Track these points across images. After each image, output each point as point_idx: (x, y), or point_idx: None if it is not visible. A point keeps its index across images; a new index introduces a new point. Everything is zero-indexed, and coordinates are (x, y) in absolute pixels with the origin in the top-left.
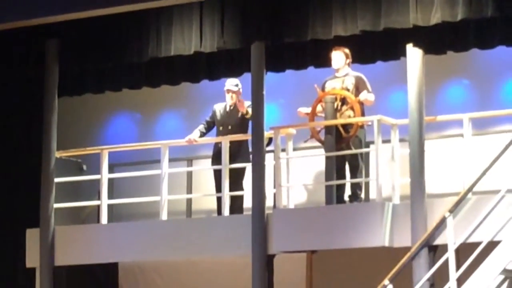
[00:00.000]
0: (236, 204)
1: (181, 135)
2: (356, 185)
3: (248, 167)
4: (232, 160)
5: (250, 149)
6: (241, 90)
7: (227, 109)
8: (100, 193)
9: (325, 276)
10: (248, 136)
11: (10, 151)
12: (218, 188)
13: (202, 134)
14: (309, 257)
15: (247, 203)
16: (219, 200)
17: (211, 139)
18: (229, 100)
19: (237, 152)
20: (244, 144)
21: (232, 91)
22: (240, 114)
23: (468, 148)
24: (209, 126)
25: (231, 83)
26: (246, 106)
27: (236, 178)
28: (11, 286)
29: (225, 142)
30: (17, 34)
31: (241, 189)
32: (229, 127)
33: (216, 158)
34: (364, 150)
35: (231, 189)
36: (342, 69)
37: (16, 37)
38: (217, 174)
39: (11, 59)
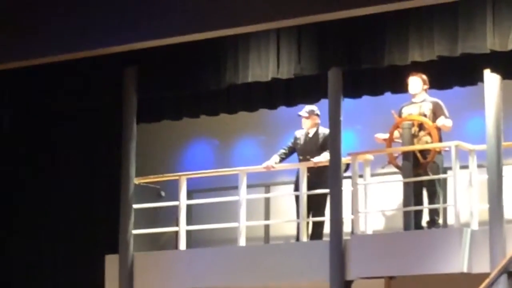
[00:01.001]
0: (318, 231)
1: (258, 162)
2: (434, 211)
3: None
4: (313, 187)
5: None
6: (316, 117)
7: (307, 137)
8: (179, 219)
9: None
10: (326, 163)
11: (89, 178)
12: (299, 214)
13: (281, 159)
14: (387, 283)
15: (327, 229)
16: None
17: (288, 165)
18: (304, 127)
19: (319, 179)
20: (325, 171)
21: (303, 116)
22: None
23: None
24: (290, 152)
25: (304, 109)
26: None
27: (318, 205)
28: None
29: (303, 169)
30: (96, 61)
31: (323, 215)
32: (308, 156)
33: (298, 184)
34: (442, 176)
35: (313, 216)
36: (419, 95)
37: (95, 64)
38: (298, 201)
39: (91, 86)
